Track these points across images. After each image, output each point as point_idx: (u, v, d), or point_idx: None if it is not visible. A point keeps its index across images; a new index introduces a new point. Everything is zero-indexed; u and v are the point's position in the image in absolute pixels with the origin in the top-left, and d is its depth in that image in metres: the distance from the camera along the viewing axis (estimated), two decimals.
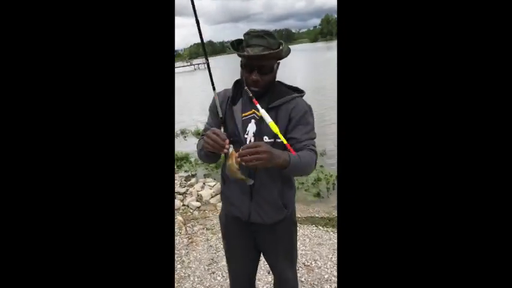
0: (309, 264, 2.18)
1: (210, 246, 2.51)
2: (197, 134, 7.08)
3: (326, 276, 2.04)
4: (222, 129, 1.18)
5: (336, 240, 2.46)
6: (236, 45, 1.17)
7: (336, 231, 2.63)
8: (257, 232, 1.30)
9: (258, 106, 1.09)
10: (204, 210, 3.27)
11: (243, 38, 1.14)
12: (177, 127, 7.58)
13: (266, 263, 1.39)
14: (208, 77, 1.26)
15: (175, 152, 5.15)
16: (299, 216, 2.95)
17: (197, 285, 2.07)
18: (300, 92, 1.21)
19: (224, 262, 2.24)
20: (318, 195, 3.55)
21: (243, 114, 1.17)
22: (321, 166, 4.19)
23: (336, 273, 2.03)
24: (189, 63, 50.79)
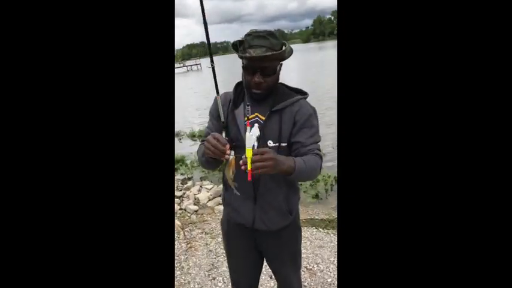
0: (311, 267, 2.15)
1: (210, 251, 2.47)
2: (192, 136, 7.02)
3: (329, 280, 2.01)
4: (224, 134, 1.14)
5: (336, 243, 2.44)
6: (237, 47, 1.13)
7: (336, 232, 2.61)
8: (261, 238, 1.26)
9: (248, 133, 1.00)
10: (202, 214, 3.22)
11: (244, 38, 1.10)
12: None
13: (268, 266, 1.35)
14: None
15: None
16: None
17: None
18: (304, 94, 1.18)
19: (225, 267, 2.20)
20: (316, 196, 3.53)
21: (246, 118, 1.13)
22: None
23: None
24: (181, 65, 50.52)
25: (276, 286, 1.57)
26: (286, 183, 1.17)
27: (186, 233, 2.79)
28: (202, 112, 9.98)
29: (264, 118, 1.11)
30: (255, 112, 1.13)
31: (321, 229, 2.70)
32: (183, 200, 3.60)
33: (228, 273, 1.41)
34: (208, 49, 1.16)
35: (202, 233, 2.78)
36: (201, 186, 3.93)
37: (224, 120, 1.15)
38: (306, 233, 2.61)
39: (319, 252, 2.33)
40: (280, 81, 1.20)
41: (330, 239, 2.51)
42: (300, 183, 1.40)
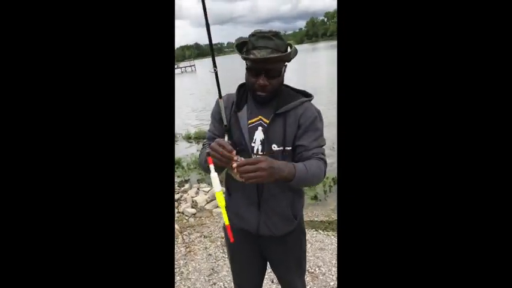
0: (313, 271, 2.12)
1: (209, 255, 2.43)
2: (188, 138, 6.96)
3: (332, 284, 1.99)
4: (226, 137, 1.11)
5: (337, 245, 2.42)
6: (241, 48, 1.10)
7: (336, 234, 2.59)
8: (265, 244, 1.23)
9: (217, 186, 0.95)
10: (200, 217, 3.18)
11: (248, 39, 1.07)
12: None
13: (269, 270, 1.33)
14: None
15: None
16: None
17: None
18: (308, 96, 1.15)
19: (225, 272, 2.17)
20: (315, 198, 3.51)
21: (249, 121, 1.10)
22: None
23: None
24: (176, 66, 50.35)
25: None
26: (290, 188, 1.13)
27: (184, 237, 2.75)
28: (197, 114, 9.93)
29: (267, 121, 1.08)
30: (258, 115, 1.10)
31: (321, 231, 2.68)
32: (180, 203, 3.55)
33: (229, 278, 1.39)
34: (211, 54, 1.12)
35: (201, 236, 2.74)
36: (198, 189, 3.88)
37: (227, 123, 1.12)
38: (307, 235, 2.59)
39: (320, 254, 2.31)
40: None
41: (330, 241, 2.49)
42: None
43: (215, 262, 2.32)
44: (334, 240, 2.50)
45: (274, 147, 1.07)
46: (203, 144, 1.24)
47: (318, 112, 1.12)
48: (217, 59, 1.15)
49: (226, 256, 2.34)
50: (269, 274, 1.93)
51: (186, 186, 4.06)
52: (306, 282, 1.99)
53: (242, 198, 1.15)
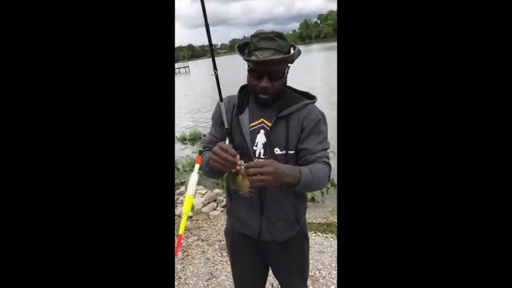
0: (312, 274, 2.10)
1: (207, 259, 2.38)
2: (182, 139, 6.90)
3: (332, 287, 1.97)
4: (228, 141, 1.08)
5: (336, 247, 2.40)
6: (242, 49, 1.07)
7: (335, 237, 2.57)
8: (267, 249, 1.20)
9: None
10: (197, 220, 3.13)
11: (250, 40, 1.04)
12: None
13: (270, 274, 1.30)
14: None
15: None
16: None
17: None
18: (312, 98, 1.12)
19: (224, 276, 2.13)
20: (312, 199, 3.49)
21: (251, 124, 1.07)
22: None
23: None
24: None
25: None
26: (293, 192, 1.11)
27: (181, 241, 2.70)
28: (192, 116, 9.87)
29: (270, 124, 1.05)
30: (260, 118, 1.07)
31: (319, 233, 2.66)
32: (176, 205, 3.50)
33: (228, 283, 1.35)
34: (212, 57, 1.09)
35: (198, 240, 2.70)
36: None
37: (228, 126, 1.08)
38: None
39: (320, 257, 2.28)
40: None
41: (329, 244, 2.47)
42: None
43: (213, 266, 2.28)
44: (333, 242, 2.48)
45: (277, 150, 1.04)
46: (203, 148, 1.21)
47: (322, 115, 1.09)
48: (210, 60, 1.12)
49: (225, 260, 2.30)
50: (270, 277, 1.89)
51: (182, 188, 4.01)
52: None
53: (244, 203, 1.12)
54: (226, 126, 1.08)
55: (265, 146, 1.05)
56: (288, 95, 1.09)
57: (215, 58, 1.11)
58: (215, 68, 1.09)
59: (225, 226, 1.16)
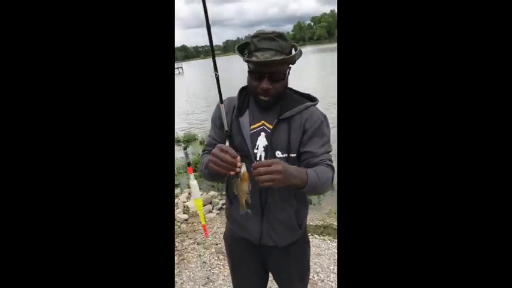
0: (311, 277, 2.07)
1: (204, 262, 2.34)
2: (176, 141, 6.83)
3: None
4: (227, 143, 1.05)
5: (335, 250, 2.38)
6: (242, 49, 1.04)
7: (333, 239, 2.56)
8: (267, 255, 1.18)
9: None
10: (193, 223, 3.09)
11: (250, 40, 1.01)
12: None
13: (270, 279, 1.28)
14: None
15: None
16: None
17: None
18: (313, 100, 1.10)
19: (221, 280, 2.09)
20: (309, 202, 3.47)
21: (252, 127, 1.04)
22: None
23: None
24: None
25: None
26: (295, 196, 1.09)
27: (177, 244, 2.65)
28: (185, 117, 9.80)
29: (271, 127, 1.02)
30: (261, 120, 1.04)
31: (316, 235, 2.64)
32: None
33: (225, 286, 1.32)
34: (212, 59, 1.06)
35: (194, 243, 2.66)
36: (189, 194, 3.78)
37: (228, 128, 1.06)
38: None
39: (318, 260, 2.26)
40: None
41: (327, 246, 2.46)
42: None
43: (210, 270, 2.24)
44: (331, 245, 2.47)
45: (278, 154, 1.02)
46: (203, 151, 1.18)
47: (324, 117, 1.07)
48: (204, 61, 1.10)
49: (222, 264, 2.27)
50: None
51: (177, 190, 3.96)
52: None
53: (250, 211, 1.09)
54: (226, 128, 1.05)
55: (266, 149, 1.03)
56: (289, 96, 1.07)
57: (208, 59, 1.08)
58: (216, 69, 1.06)
59: (221, 229, 1.14)
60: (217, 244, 2.57)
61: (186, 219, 3.16)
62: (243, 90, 1.11)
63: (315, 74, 16.76)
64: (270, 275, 1.27)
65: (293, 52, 1.00)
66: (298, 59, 1.03)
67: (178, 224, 3.09)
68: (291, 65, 1.03)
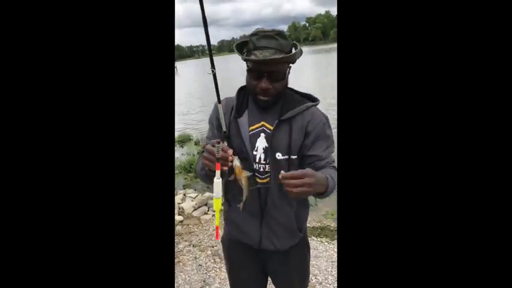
0: (309, 280, 2.05)
1: (200, 265, 2.30)
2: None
3: None
4: (226, 145, 1.02)
5: (332, 252, 2.36)
6: (241, 48, 1.01)
7: (330, 241, 2.54)
8: (267, 259, 1.15)
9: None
10: (188, 225, 3.04)
11: (249, 39, 0.98)
12: None
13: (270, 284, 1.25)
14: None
15: None
16: None
17: None
18: (314, 100, 1.07)
19: (217, 284, 2.05)
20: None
21: (250, 128, 1.01)
22: None
23: None
24: None
25: None
26: (295, 198, 1.06)
27: None
28: (181, 118, 9.73)
29: (271, 128, 0.99)
30: (260, 121, 1.01)
31: (314, 237, 2.61)
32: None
33: None
34: (209, 56, 1.02)
35: (189, 245, 2.61)
36: (184, 195, 3.73)
37: (226, 129, 1.02)
38: None
39: (316, 262, 2.24)
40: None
41: (324, 248, 2.43)
42: None
43: (206, 273, 2.20)
44: (329, 246, 2.44)
45: (279, 155, 0.99)
46: (199, 152, 1.14)
47: (326, 118, 1.05)
48: (199, 61, 1.07)
49: (218, 266, 2.23)
50: None
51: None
52: None
53: (243, 210, 1.06)
54: (224, 129, 1.02)
55: (265, 150, 1.00)
56: (290, 96, 1.04)
57: (207, 58, 1.04)
58: (213, 66, 1.02)
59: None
60: (213, 246, 2.53)
61: (181, 221, 3.11)
62: (241, 90, 1.08)
63: (311, 74, 16.79)
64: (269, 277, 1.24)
65: (293, 51, 0.97)
66: (298, 58, 1.00)
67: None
68: (291, 64, 1.00)
